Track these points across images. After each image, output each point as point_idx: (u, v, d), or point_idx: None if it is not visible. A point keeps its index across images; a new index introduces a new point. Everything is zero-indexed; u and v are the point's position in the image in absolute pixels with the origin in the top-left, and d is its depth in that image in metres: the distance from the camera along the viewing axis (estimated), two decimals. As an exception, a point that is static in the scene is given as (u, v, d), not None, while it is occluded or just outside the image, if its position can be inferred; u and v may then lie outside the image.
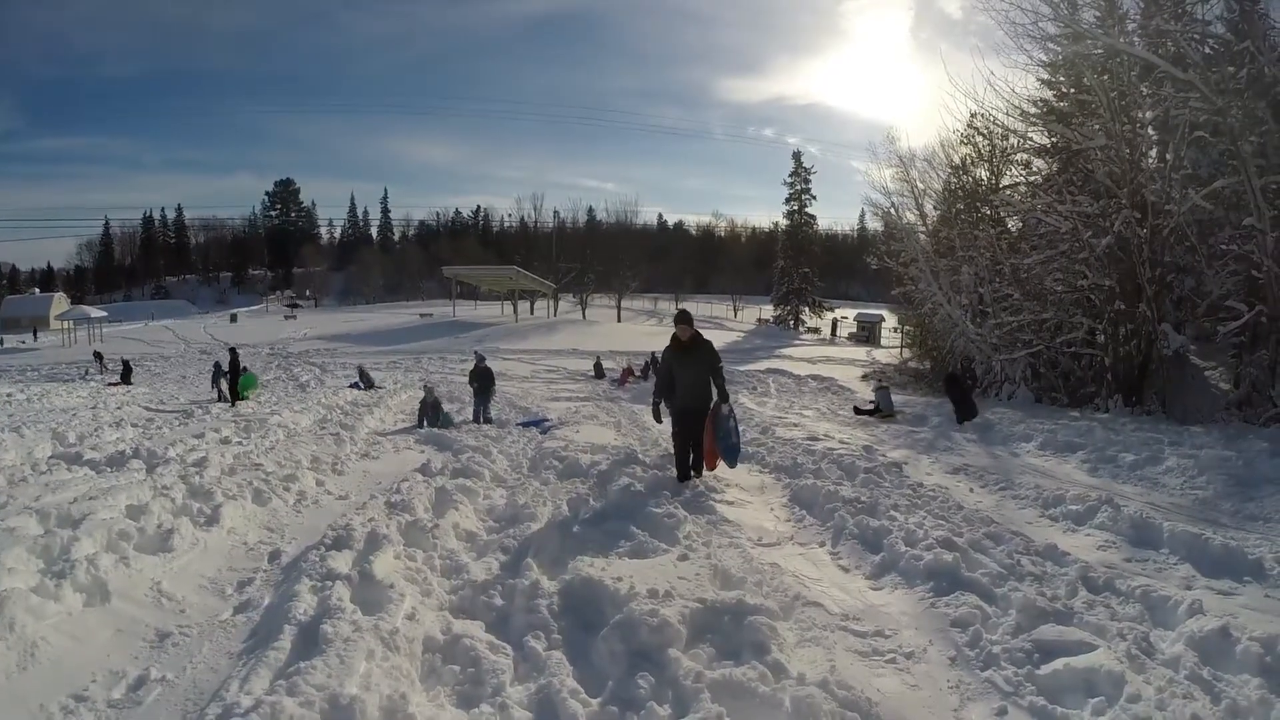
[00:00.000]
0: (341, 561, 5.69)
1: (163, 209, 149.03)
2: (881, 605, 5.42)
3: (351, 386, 27.59)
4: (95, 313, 67.39)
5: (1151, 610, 5.03)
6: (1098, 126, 19.48)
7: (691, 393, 8.96)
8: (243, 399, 23.00)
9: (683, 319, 9.19)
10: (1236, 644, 4.33)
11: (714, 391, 9.09)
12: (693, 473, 9.16)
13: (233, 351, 25.41)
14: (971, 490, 9.53)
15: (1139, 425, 14.95)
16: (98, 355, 42.33)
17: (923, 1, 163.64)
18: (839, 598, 5.49)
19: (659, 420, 9.64)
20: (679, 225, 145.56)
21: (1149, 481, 10.06)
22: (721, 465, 9.41)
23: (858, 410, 19.27)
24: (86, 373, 37.76)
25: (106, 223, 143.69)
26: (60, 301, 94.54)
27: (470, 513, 7.51)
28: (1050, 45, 20.51)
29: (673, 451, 9.45)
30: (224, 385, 24.60)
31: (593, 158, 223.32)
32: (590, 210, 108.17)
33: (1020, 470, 10.91)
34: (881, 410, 18.45)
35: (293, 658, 4.19)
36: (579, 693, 3.95)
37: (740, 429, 10.06)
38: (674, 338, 9.10)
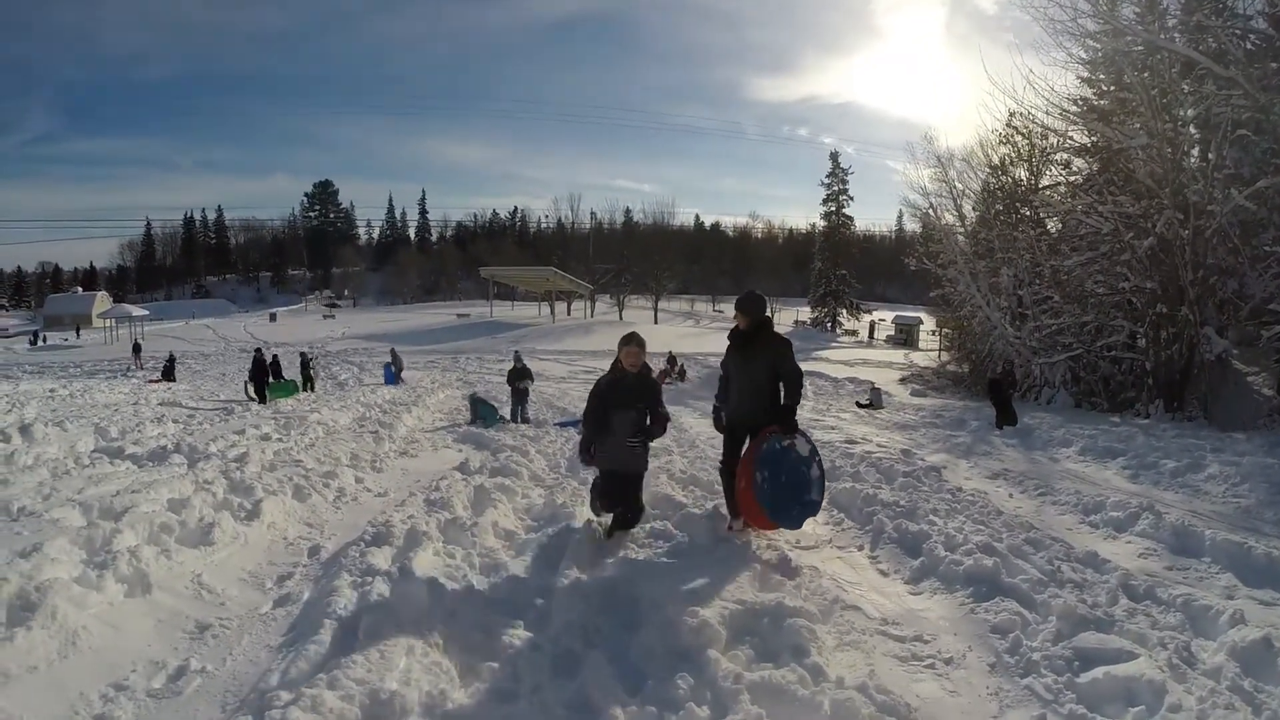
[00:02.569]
0: (381, 558, 5.72)
1: (203, 210, 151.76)
2: (921, 610, 5.36)
3: (385, 368, 28.19)
4: (137, 311, 68.71)
5: (1193, 619, 4.92)
6: (1138, 125, 19.26)
7: (744, 403, 6.75)
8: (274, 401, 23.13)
9: (741, 303, 6.82)
10: (1279, 655, 4.24)
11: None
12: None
13: (258, 352, 25.68)
14: (1011, 495, 9.39)
15: (1180, 431, 14.72)
16: (136, 348, 43.10)
17: None
18: (878, 602, 5.43)
19: (720, 428, 7.23)
20: (716, 226, 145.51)
21: (1191, 489, 9.87)
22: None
23: (859, 404, 21.13)
24: (128, 369, 38.32)
25: (148, 223, 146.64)
26: (103, 300, 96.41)
27: (509, 511, 7.50)
28: (1090, 42, 20.43)
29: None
30: (251, 389, 24.66)
31: (628, 158, 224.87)
32: (627, 211, 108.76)
33: (1060, 476, 10.75)
34: (873, 405, 20.50)
35: (333, 652, 4.21)
36: (617, 691, 3.92)
37: (824, 478, 6.77)
38: (734, 329, 6.96)
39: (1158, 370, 19.33)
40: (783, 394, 6.67)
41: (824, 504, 7.10)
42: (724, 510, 7.00)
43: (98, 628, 4.56)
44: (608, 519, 6.72)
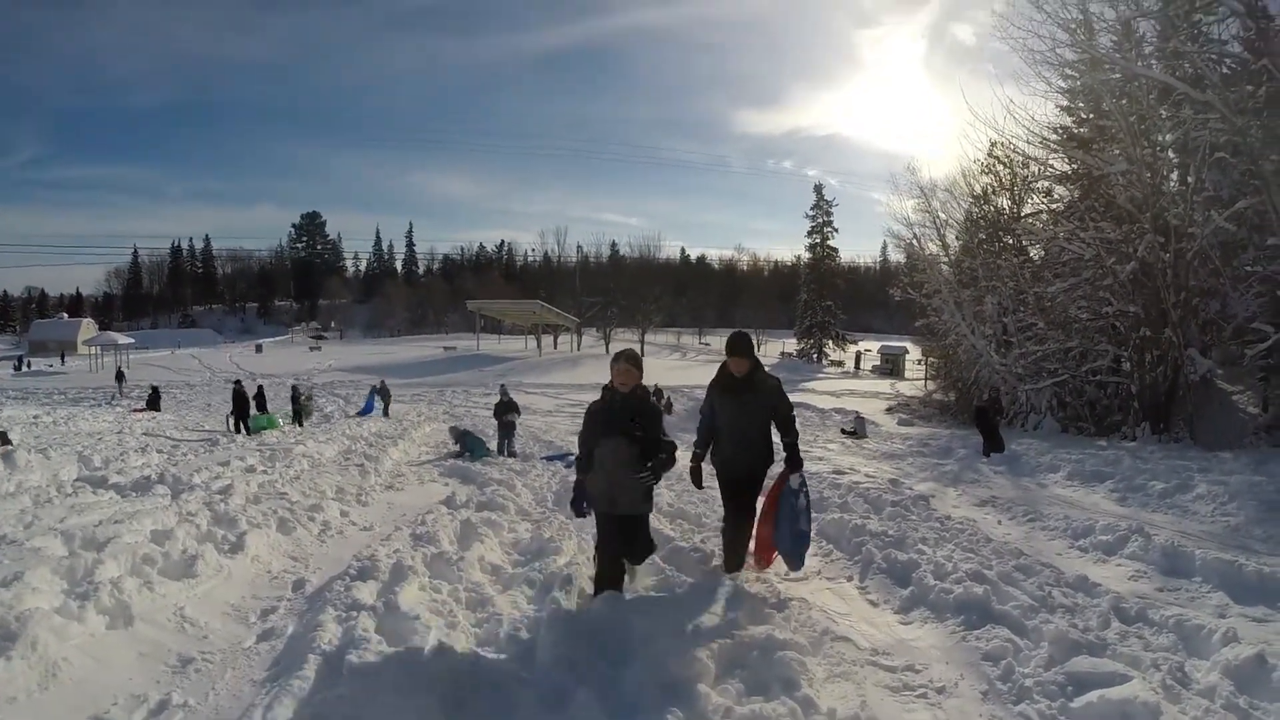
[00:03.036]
0: (366, 592, 5.66)
1: (190, 239, 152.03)
2: (911, 639, 5.35)
3: (368, 397, 28.08)
4: (122, 339, 68.15)
5: (1185, 640, 4.96)
6: (1118, 151, 19.72)
7: (741, 454, 6.34)
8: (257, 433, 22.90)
9: (738, 346, 6.29)
10: (1273, 671, 4.28)
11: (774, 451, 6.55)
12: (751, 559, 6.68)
13: (237, 384, 25.43)
14: (1000, 522, 9.46)
15: (1167, 452, 14.90)
16: (119, 375, 42.96)
17: (935, 29, 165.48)
18: (868, 632, 5.42)
19: (699, 484, 6.61)
20: (702, 259, 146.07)
21: (1179, 509, 10.01)
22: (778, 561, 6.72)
23: (843, 431, 21.64)
24: (112, 398, 38.12)
25: (135, 251, 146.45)
26: (88, 327, 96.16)
27: (495, 545, 7.45)
28: (1068, 71, 21.01)
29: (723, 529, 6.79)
30: (232, 421, 24.33)
31: (614, 192, 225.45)
32: (614, 245, 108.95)
33: (1048, 501, 10.84)
34: (856, 434, 20.70)
35: (318, 687, 4.14)
36: (607, 728, 3.87)
37: (810, 508, 6.64)
38: (722, 370, 6.44)
39: (1143, 393, 19.62)
40: (781, 432, 6.39)
41: (813, 534, 6.92)
42: (715, 549, 6.96)
43: (79, 659, 4.51)
44: (591, 586, 5.90)
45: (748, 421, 6.30)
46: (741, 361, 6.25)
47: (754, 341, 6.56)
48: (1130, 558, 7.37)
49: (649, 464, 5.40)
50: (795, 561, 6.51)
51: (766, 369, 6.40)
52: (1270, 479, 10.77)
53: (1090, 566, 7.21)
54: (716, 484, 6.71)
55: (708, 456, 6.59)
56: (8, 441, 15.51)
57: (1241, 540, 8.36)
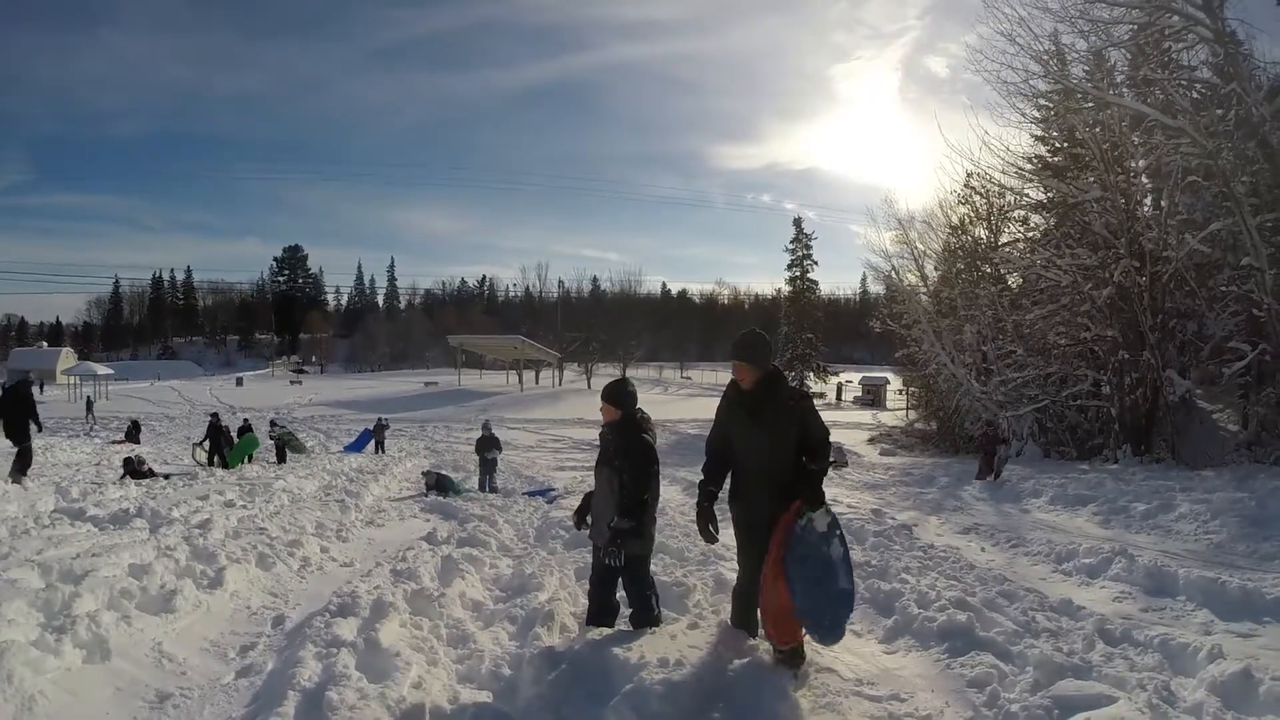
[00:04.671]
0: (347, 628, 5.62)
1: (172, 270, 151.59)
2: (896, 669, 5.37)
3: (362, 433, 27.81)
4: (101, 370, 67.63)
5: (1171, 658, 5.02)
6: (1092, 179, 20.30)
7: (760, 488, 5.00)
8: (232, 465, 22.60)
9: (745, 349, 5.06)
10: (1260, 685, 4.31)
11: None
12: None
13: (214, 418, 25.01)
14: (983, 549, 9.58)
15: (1149, 474, 15.12)
16: (89, 403, 42.80)
17: (909, 62, 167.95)
18: (852, 662, 5.41)
19: (709, 537, 5.09)
20: (683, 294, 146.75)
21: (1162, 530, 10.19)
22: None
23: None
24: (91, 429, 37.77)
25: (116, 281, 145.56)
26: (67, 356, 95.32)
27: (476, 582, 7.43)
28: (1042, 101, 21.43)
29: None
30: (199, 454, 23.77)
31: (594, 228, 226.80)
32: (595, 280, 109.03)
33: (1031, 526, 10.99)
34: (836, 462, 19.72)
35: (297, 724, 4.10)
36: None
37: (849, 557, 5.23)
38: (731, 385, 5.17)
39: (1123, 415, 19.96)
40: (806, 459, 4.98)
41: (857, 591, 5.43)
42: (696, 582, 6.89)
43: (55, 693, 4.46)
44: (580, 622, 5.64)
45: (768, 449, 4.97)
46: (747, 370, 5.01)
47: (769, 345, 5.25)
48: (1114, 579, 7.49)
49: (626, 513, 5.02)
50: (833, 632, 4.95)
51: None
52: (1252, 495, 10.98)
53: (1074, 590, 7.32)
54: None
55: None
56: None
57: (1225, 557, 8.50)
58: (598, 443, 5.77)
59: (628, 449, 5.25)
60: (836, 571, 4.99)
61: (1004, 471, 16.50)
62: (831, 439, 5.15)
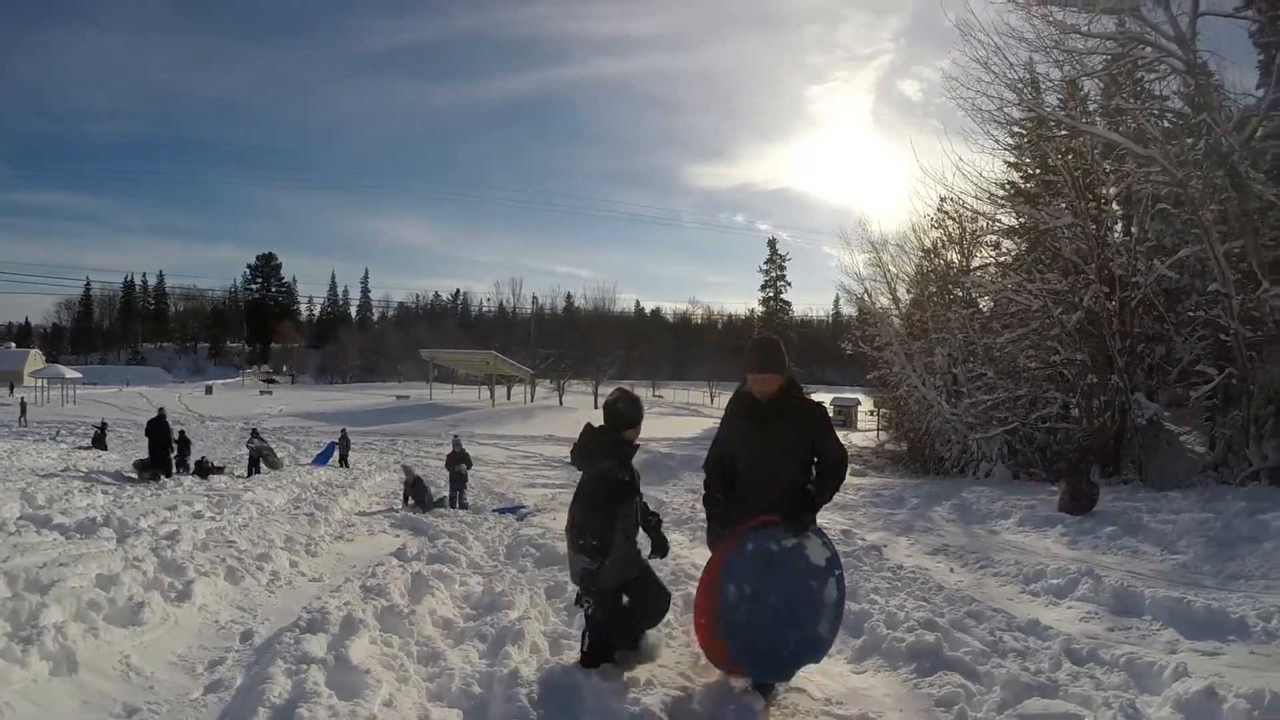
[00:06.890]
0: (316, 645, 5.59)
1: (144, 274, 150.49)
2: (865, 689, 5.41)
3: (326, 446, 27.53)
4: (70, 373, 66.98)
5: (1136, 677, 5.08)
6: (1064, 205, 20.68)
7: (770, 504, 4.59)
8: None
9: (764, 357, 4.65)
10: (1223, 703, 4.38)
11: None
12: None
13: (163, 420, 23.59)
14: (952, 570, 9.64)
15: (1117, 495, 15.23)
16: (23, 406, 42.48)
17: (882, 85, 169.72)
18: (821, 682, 5.42)
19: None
20: (656, 312, 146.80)
21: (1129, 550, 10.33)
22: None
23: None
24: (58, 434, 37.28)
25: (88, 283, 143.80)
26: (35, 358, 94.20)
27: (447, 599, 7.41)
28: (1015, 129, 21.73)
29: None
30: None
31: (569, 244, 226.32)
32: (569, 296, 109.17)
33: (1000, 548, 11.08)
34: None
35: (266, 741, 4.10)
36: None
37: (843, 596, 4.91)
38: (740, 394, 4.89)
39: (1092, 437, 20.07)
40: (817, 474, 4.73)
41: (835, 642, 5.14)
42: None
43: (21, 705, 4.43)
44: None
45: (780, 463, 4.64)
46: (770, 379, 4.61)
47: (785, 352, 4.76)
48: (1081, 600, 7.58)
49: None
50: (757, 665, 4.70)
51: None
52: (1218, 515, 11.17)
53: (1041, 610, 7.41)
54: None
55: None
56: None
57: (1191, 577, 8.64)
58: (568, 460, 5.55)
59: (589, 480, 5.21)
60: (819, 616, 4.71)
61: (968, 493, 16.28)
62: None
